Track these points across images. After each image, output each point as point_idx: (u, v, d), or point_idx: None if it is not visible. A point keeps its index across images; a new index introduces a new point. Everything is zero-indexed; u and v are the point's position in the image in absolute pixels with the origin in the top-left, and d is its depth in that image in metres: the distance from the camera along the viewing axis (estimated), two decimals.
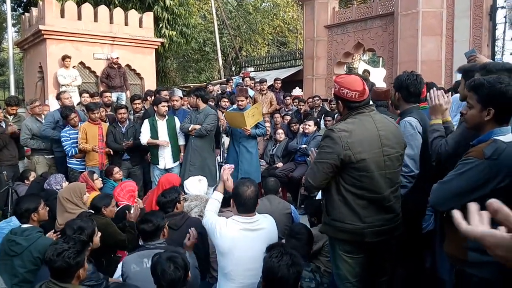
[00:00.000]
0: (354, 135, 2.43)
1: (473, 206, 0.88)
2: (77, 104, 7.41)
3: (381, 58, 14.62)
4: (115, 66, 9.26)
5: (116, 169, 5.59)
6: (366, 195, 2.47)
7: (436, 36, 8.57)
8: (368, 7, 10.52)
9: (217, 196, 3.07)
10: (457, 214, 0.90)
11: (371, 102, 2.67)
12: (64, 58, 8.71)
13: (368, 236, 2.49)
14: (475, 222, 0.87)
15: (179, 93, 6.52)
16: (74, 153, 5.96)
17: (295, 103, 8.83)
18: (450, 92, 3.24)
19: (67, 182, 4.90)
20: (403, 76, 3.09)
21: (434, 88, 2.89)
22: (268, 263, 2.22)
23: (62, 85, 8.65)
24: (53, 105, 8.00)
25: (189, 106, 6.59)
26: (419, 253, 3.22)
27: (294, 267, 2.18)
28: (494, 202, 0.78)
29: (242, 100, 5.85)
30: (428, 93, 2.86)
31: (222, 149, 6.72)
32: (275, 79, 10.40)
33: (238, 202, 2.82)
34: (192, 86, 12.89)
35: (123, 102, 8.47)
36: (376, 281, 2.78)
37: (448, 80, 8.31)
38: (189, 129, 5.69)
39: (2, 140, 5.91)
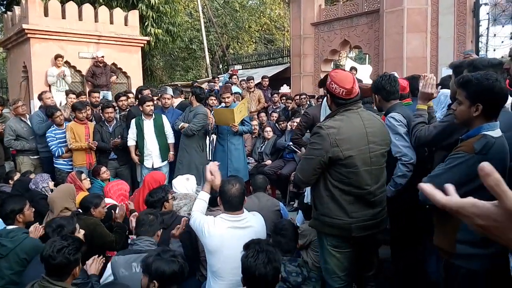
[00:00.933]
0: (342, 132, 2.46)
1: (450, 186, 0.91)
2: (65, 104, 7.33)
3: (367, 55, 14.73)
4: (101, 65, 9.18)
5: (103, 168, 5.55)
6: (353, 191, 2.52)
7: (421, 33, 8.65)
8: (354, 5, 10.58)
9: (204, 196, 3.03)
10: (429, 187, 0.91)
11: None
12: (57, 57, 8.66)
13: (355, 231, 2.53)
14: (452, 195, 0.89)
15: (170, 91, 6.49)
16: (60, 153, 5.89)
17: (282, 101, 8.84)
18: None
19: (52, 182, 4.85)
20: (377, 80, 3.24)
21: (433, 76, 2.99)
22: (245, 263, 2.23)
23: (52, 85, 8.55)
24: (38, 105, 7.92)
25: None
26: (416, 244, 3.27)
27: (270, 264, 2.19)
28: (487, 165, 0.80)
29: (228, 97, 5.89)
30: (423, 78, 2.96)
31: (210, 147, 6.70)
32: (263, 77, 10.41)
33: (223, 200, 2.86)
34: (179, 85, 12.83)
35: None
36: (363, 275, 2.82)
37: None
38: (179, 127, 5.71)
39: None
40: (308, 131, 4.79)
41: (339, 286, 2.67)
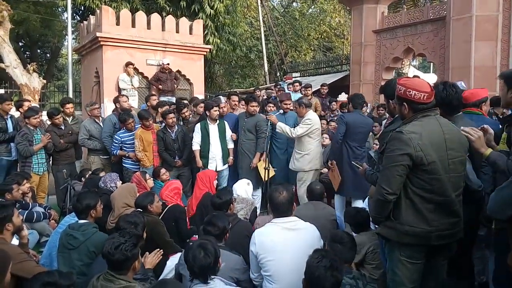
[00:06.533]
0: (423, 137, 2.41)
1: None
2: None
3: (432, 64, 14.20)
4: (166, 71, 9.57)
5: (163, 170, 5.73)
6: (434, 198, 2.45)
7: (491, 41, 8.24)
8: (419, 12, 10.30)
9: None
10: None
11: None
12: (128, 64, 9.11)
13: (434, 240, 2.47)
14: None
15: (223, 99, 6.75)
16: (116, 154, 6.29)
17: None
18: None
19: (120, 181, 5.11)
20: (440, 91, 2.92)
21: (474, 133, 2.58)
22: (309, 262, 2.33)
23: (123, 89, 9.04)
24: (109, 108, 8.41)
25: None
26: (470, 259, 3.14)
27: (331, 270, 2.23)
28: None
29: (286, 104, 6.09)
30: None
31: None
32: (322, 85, 10.36)
33: (272, 207, 3.00)
34: (238, 92, 13.09)
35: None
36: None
37: None
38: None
39: (61, 142, 6.29)
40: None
41: None
